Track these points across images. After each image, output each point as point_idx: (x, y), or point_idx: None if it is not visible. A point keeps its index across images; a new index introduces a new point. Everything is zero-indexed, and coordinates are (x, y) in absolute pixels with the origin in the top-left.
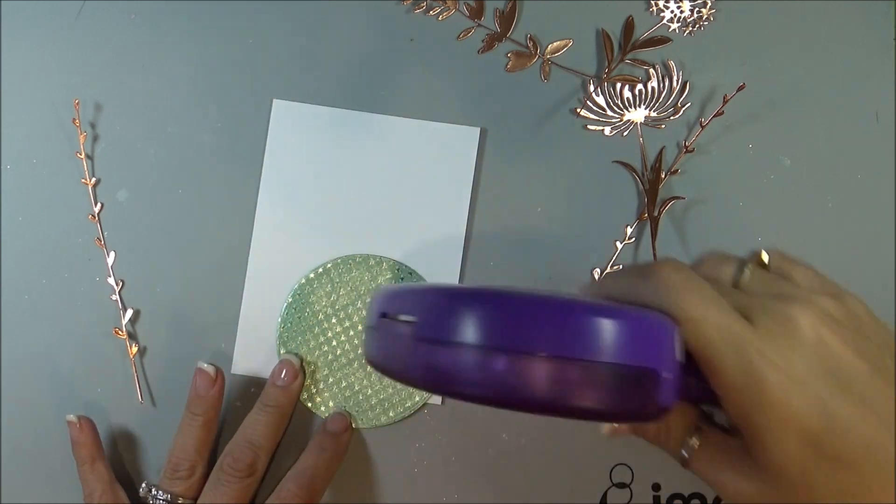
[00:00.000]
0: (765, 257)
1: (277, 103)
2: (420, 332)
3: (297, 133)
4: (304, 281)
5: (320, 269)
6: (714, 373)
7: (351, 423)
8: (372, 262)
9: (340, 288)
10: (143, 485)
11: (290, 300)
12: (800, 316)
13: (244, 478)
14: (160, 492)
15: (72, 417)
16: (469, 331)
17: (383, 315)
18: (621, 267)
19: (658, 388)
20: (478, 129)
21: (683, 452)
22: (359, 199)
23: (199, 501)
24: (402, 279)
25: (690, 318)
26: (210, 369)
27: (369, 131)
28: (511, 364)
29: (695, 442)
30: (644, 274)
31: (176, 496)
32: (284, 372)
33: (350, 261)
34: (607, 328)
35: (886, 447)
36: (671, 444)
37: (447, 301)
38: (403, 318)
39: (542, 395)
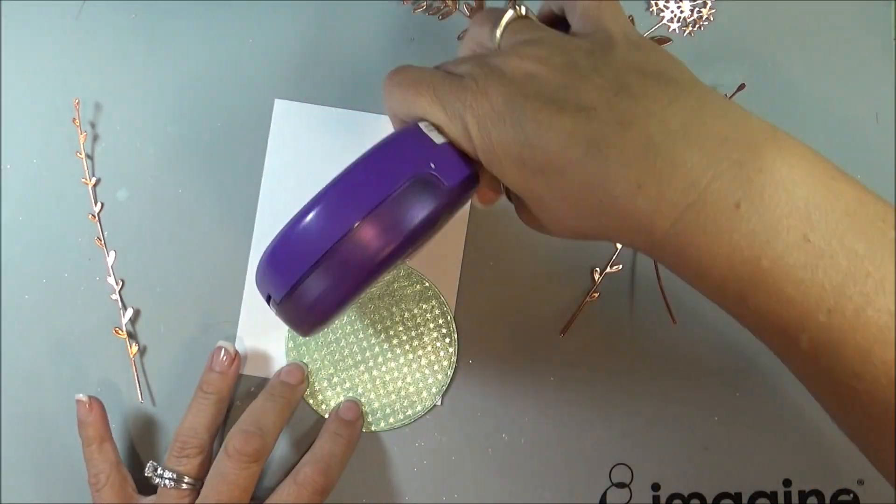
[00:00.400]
0: (522, 10)
1: (279, 103)
2: (273, 301)
3: (298, 133)
4: None
5: None
6: (451, 141)
7: (362, 412)
8: None
9: None
10: (150, 464)
11: None
12: (503, 63)
13: (251, 463)
14: (166, 471)
15: (81, 396)
16: (269, 287)
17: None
18: None
19: (440, 180)
20: None
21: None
22: None
23: (204, 490)
24: (415, 286)
25: (417, 111)
26: (230, 347)
27: (372, 132)
28: (316, 282)
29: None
30: (384, 90)
31: (182, 475)
32: (291, 373)
33: None
34: (356, 181)
35: (579, 143)
36: (498, 197)
37: (263, 269)
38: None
39: (367, 271)
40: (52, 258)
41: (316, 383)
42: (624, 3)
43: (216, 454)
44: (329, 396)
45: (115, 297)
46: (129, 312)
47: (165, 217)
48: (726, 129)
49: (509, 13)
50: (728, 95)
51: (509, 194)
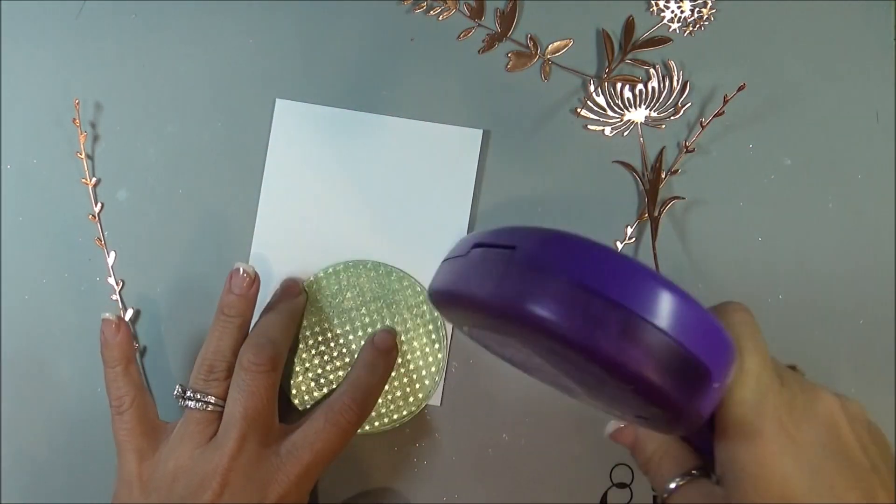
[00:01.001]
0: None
1: (280, 103)
2: (518, 258)
3: (299, 133)
4: (312, 279)
5: (330, 269)
6: (729, 407)
7: (396, 343)
8: (381, 270)
9: (347, 291)
10: (178, 387)
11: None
12: (824, 396)
13: (269, 371)
14: (196, 393)
15: (108, 315)
16: (562, 266)
17: (478, 245)
18: None
19: (703, 391)
20: (480, 132)
21: (664, 489)
22: (361, 200)
23: (227, 406)
24: (407, 290)
25: (742, 354)
26: (249, 269)
27: (372, 132)
28: (591, 307)
29: (678, 482)
30: (718, 311)
31: (210, 397)
32: (289, 288)
33: (360, 265)
34: (689, 311)
35: None
36: (658, 478)
37: (548, 237)
38: (503, 244)
39: (608, 344)
40: (52, 258)
41: (303, 385)
42: (624, 3)
43: None
44: (316, 397)
45: (115, 297)
46: (129, 312)
47: (165, 217)
48: None
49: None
50: (728, 95)
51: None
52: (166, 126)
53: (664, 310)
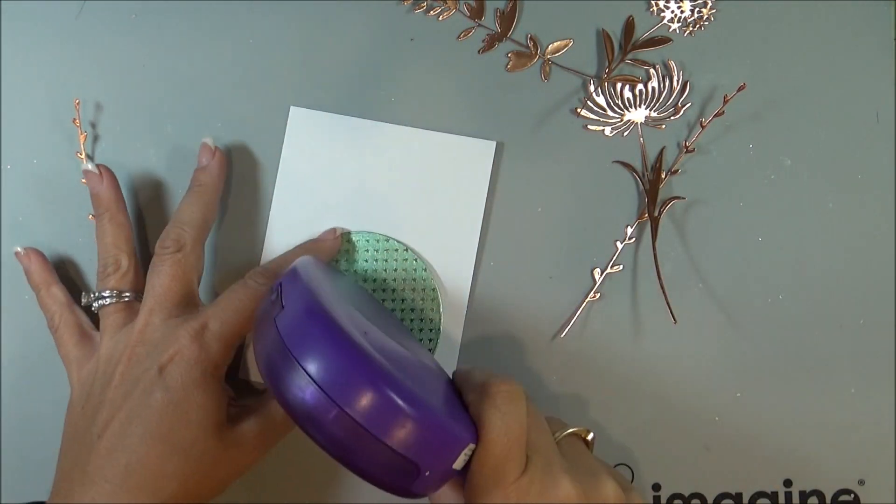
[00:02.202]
0: (590, 436)
1: (294, 110)
2: (281, 323)
3: (313, 141)
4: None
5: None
6: (467, 488)
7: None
8: (382, 244)
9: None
10: (83, 295)
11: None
12: (562, 489)
13: (174, 252)
14: (98, 292)
15: (18, 249)
16: (306, 355)
17: (279, 283)
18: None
19: (415, 481)
20: (493, 143)
21: None
22: (373, 208)
23: (145, 290)
24: (416, 267)
25: (485, 443)
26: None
27: (387, 142)
28: (316, 404)
29: None
30: (485, 389)
31: (115, 290)
32: (205, 154)
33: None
34: (399, 420)
35: None
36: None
37: (307, 316)
38: (280, 293)
39: (328, 436)
40: (53, 258)
41: None
42: (624, 3)
43: None
44: None
45: None
46: None
47: (166, 220)
48: None
49: (575, 429)
50: (728, 96)
51: None
52: (167, 126)
53: (379, 415)
